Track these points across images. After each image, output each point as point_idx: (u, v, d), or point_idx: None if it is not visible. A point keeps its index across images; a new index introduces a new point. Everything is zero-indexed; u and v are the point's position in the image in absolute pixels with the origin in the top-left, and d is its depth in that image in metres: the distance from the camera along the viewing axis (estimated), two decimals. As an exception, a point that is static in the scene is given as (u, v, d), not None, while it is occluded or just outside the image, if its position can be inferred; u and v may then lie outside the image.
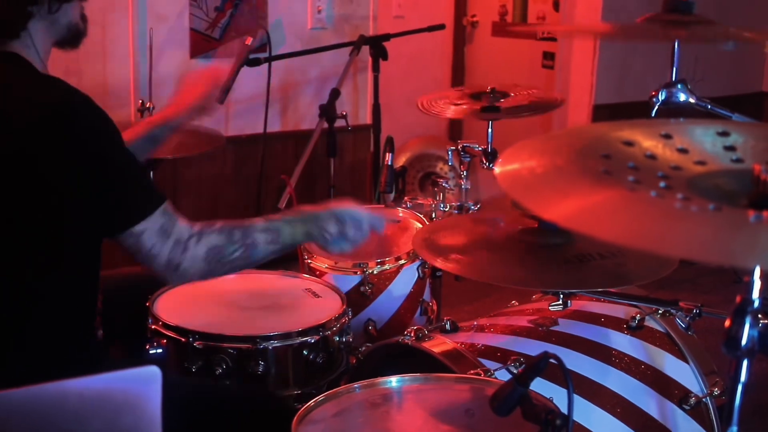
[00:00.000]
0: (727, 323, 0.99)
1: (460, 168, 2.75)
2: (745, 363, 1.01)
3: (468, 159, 2.73)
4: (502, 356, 1.91)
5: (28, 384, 1.11)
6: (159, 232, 1.74)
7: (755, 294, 0.97)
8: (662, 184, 1.00)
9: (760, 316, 0.98)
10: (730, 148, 1.10)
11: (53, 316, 1.75)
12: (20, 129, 1.67)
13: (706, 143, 1.12)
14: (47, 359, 1.74)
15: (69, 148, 1.67)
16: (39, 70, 1.79)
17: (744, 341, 0.98)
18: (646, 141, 1.11)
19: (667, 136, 1.12)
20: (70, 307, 1.78)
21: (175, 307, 2.17)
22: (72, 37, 1.89)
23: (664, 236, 0.90)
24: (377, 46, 3.62)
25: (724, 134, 1.12)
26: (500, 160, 1.09)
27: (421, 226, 2.69)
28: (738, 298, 0.98)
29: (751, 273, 0.96)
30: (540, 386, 1.56)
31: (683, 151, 1.09)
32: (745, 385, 1.01)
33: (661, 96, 1.95)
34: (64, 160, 1.67)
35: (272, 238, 1.84)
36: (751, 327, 0.97)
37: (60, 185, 1.68)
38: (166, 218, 1.76)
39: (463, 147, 2.71)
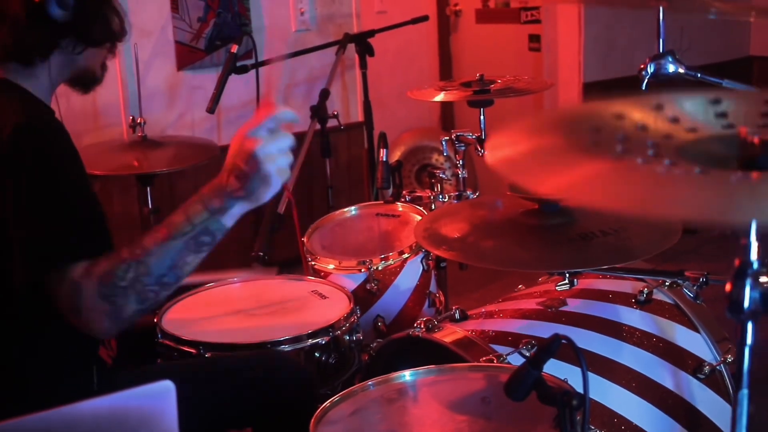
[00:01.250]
0: (728, 287, 0.99)
1: (455, 157, 2.76)
2: (750, 326, 1.02)
3: (463, 148, 2.73)
4: (514, 340, 1.92)
5: (40, 410, 1.12)
6: (57, 277, 1.58)
7: (753, 255, 0.97)
8: (650, 152, 1.01)
9: (760, 277, 0.98)
10: (722, 115, 1.11)
11: (58, 346, 1.74)
12: None
13: (698, 112, 1.12)
14: (53, 388, 1.74)
15: (6, 177, 1.61)
16: (36, 96, 1.77)
17: (746, 304, 0.98)
18: (637, 113, 1.12)
19: (659, 107, 1.13)
20: (74, 335, 1.74)
21: (183, 320, 2.17)
22: (85, 81, 1.89)
23: (648, 199, 0.91)
24: (362, 43, 3.61)
25: (716, 102, 1.13)
26: (488, 143, 1.10)
27: (421, 218, 2.69)
28: (737, 261, 0.99)
29: (748, 234, 0.96)
30: (554, 368, 1.57)
31: (674, 120, 1.10)
32: (752, 348, 1.02)
33: (650, 69, 1.95)
34: (4, 189, 1.61)
35: (162, 235, 1.59)
36: (752, 289, 0.97)
37: (7, 215, 1.62)
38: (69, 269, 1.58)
39: (457, 136, 2.72)
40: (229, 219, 1.62)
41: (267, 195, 1.59)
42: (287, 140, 1.59)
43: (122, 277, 1.57)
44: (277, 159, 1.56)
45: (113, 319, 1.59)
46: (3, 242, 1.63)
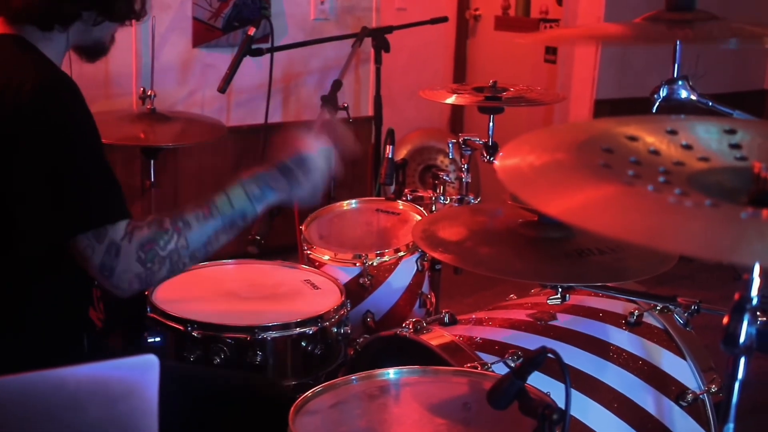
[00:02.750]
0: (726, 320, 0.98)
1: (460, 161, 2.75)
2: (742, 360, 1.01)
3: (469, 152, 2.72)
4: (500, 350, 1.91)
5: (26, 371, 1.11)
6: (95, 233, 1.61)
7: (754, 291, 0.97)
8: (662, 179, 1.00)
9: (758, 313, 0.97)
10: (736, 146, 1.10)
11: (50, 304, 1.75)
12: (4, 111, 1.63)
13: (711, 140, 1.11)
14: (45, 347, 1.74)
15: (36, 136, 1.62)
16: (50, 59, 1.76)
17: (742, 339, 0.98)
18: (650, 136, 1.11)
19: (673, 132, 1.12)
20: (65, 294, 1.77)
21: (174, 297, 2.17)
22: (94, 51, 1.89)
23: (656, 230, 0.89)
24: (380, 38, 3.60)
25: (731, 132, 1.12)
26: (501, 153, 1.08)
27: (420, 218, 2.68)
28: (737, 296, 0.98)
29: (750, 270, 0.96)
30: (537, 380, 1.56)
31: (688, 147, 1.09)
32: (742, 383, 1.01)
33: (663, 92, 1.94)
34: (33, 146, 1.62)
35: (204, 213, 1.67)
36: (749, 324, 0.97)
37: (31, 171, 1.63)
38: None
39: (464, 140, 2.71)
40: (261, 207, 1.74)
41: (301, 196, 1.75)
42: (330, 169, 1.79)
43: (163, 247, 1.64)
44: (320, 169, 1.75)
45: (143, 282, 1.65)
46: (10, 203, 1.63)
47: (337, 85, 3.20)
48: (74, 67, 1.77)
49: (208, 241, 1.69)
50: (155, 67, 3.64)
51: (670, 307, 2.15)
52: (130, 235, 1.62)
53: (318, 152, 1.76)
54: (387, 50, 3.63)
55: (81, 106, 1.68)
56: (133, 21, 1.89)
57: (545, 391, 1.57)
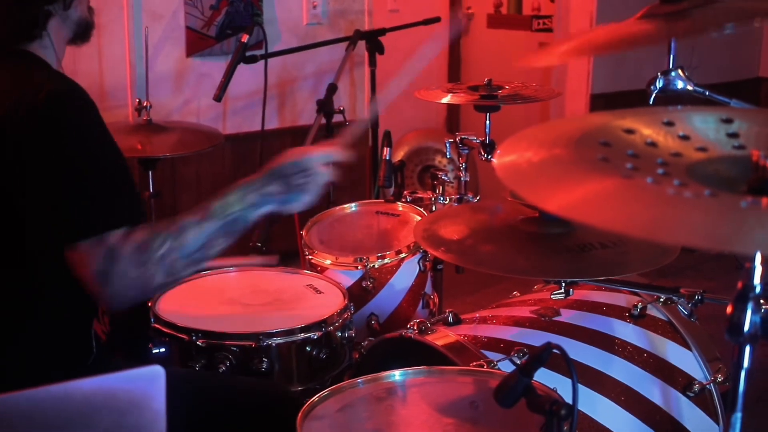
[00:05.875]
0: (729, 309, 0.98)
1: (458, 160, 2.75)
2: (747, 349, 1.01)
3: (466, 151, 2.73)
4: (506, 347, 1.91)
5: (34, 386, 1.12)
6: (96, 240, 1.62)
7: (757, 280, 0.97)
8: (660, 170, 1.00)
9: (762, 301, 0.98)
10: (733, 135, 1.10)
11: (55, 317, 1.75)
12: (17, 118, 1.65)
13: (708, 130, 1.11)
14: (50, 360, 1.75)
15: (44, 142, 1.64)
16: (54, 68, 1.80)
17: (746, 327, 0.98)
18: (647, 128, 1.11)
19: (670, 124, 1.12)
20: (71, 307, 1.78)
21: (178, 307, 2.17)
22: (83, 31, 1.91)
23: (657, 223, 0.89)
24: (373, 40, 3.61)
25: (728, 121, 1.12)
26: (499, 151, 1.08)
27: (421, 219, 2.68)
28: (740, 284, 0.98)
29: (752, 259, 0.96)
30: (544, 377, 1.56)
31: (685, 138, 1.09)
32: (748, 371, 1.01)
33: (659, 83, 1.94)
34: (42, 154, 1.64)
35: (200, 217, 1.68)
36: (753, 313, 0.97)
37: (41, 180, 1.65)
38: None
39: (461, 139, 2.71)
40: (257, 214, 1.75)
41: (295, 205, 1.75)
42: (326, 175, 1.76)
43: (157, 248, 1.63)
44: (314, 177, 1.74)
45: (139, 289, 1.65)
46: (17, 208, 1.65)
47: (332, 88, 3.20)
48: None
49: (203, 245, 1.68)
50: (150, 77, 3.64)
51: (674, 298, 2.15)
52: (125, 239, 1.62)
53: (314, 159, 1.75)
54: (381, 52, 3.63)
55: (94, 113, 1.71)
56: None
57: (552, 387, 1.57)
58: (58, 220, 1.64)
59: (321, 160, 1.76)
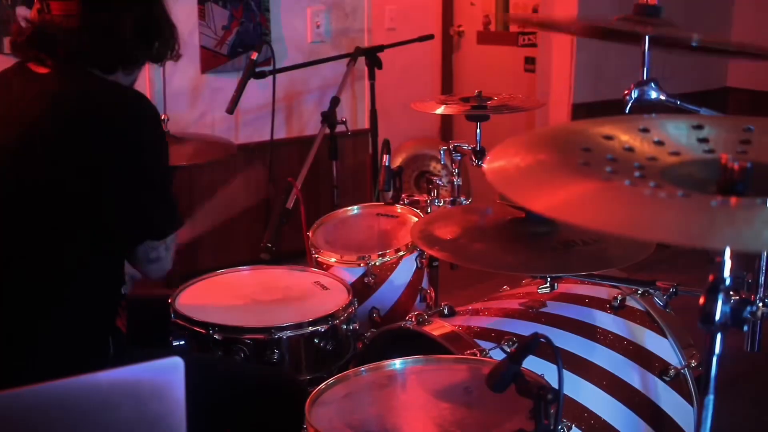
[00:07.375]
0: (702, 300, 0.98)
1: (452, 166, 2.75)
2: (719, 336, 1.01)
3: (459, 158, 2.72)
4: (497, 337, 1.91)
5: (59, 377, 1.11)
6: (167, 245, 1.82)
7: (726, 273, 0.97)
8: (637, 173, 1.00)
9: (731, 293, 0.97)
10: (704, 140, 1.10)
11: (81, 309, 1.75)
12: (78, 123, 1.67)
13: (681, 136, 1.11)
14: (74, 351, 1.74)
15: (112, 148, 1.67)
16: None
17: (718, 316, 0.98)
18: (625, 135, 1.11)
19: (645, 130, 1.11)
20: (96, 300, 1.77)
21: (196, 303, 2.17)
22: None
23: (634, 221, 0.89)
24: (372, 56, 3.61)
25: (699, 127, 1.12)
26: (489, 157, 1.08)
27: (417, 220, 2.68)
28: (711, 277, 0.98)
29: (722, 253, 0.95)
30: (532, 364, 1.56)
31: (659, 143, 1.08)
32: (719, 357, 1.01)
33: (635, 94, 1.94)
34: (126, 161, 1.69)
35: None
36: (723, 303, 0.97)
37: (102, 183, 1.68)
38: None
39: (454, 147, 2.70)
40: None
41: None
42: None
43: (175, 237, 1.85)
44: None
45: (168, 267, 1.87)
46: (56, 208, 1.67)
47: (335, 101, 3.20)
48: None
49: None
50: (167, 92, 3.63)
51: (650, 291, 2.15)
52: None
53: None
54: (379, 67, 3.63)
55: (161, 124, 1.80)
56: None
57: (540, 374, 1.57)
58: (137, 221, 1.75)
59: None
